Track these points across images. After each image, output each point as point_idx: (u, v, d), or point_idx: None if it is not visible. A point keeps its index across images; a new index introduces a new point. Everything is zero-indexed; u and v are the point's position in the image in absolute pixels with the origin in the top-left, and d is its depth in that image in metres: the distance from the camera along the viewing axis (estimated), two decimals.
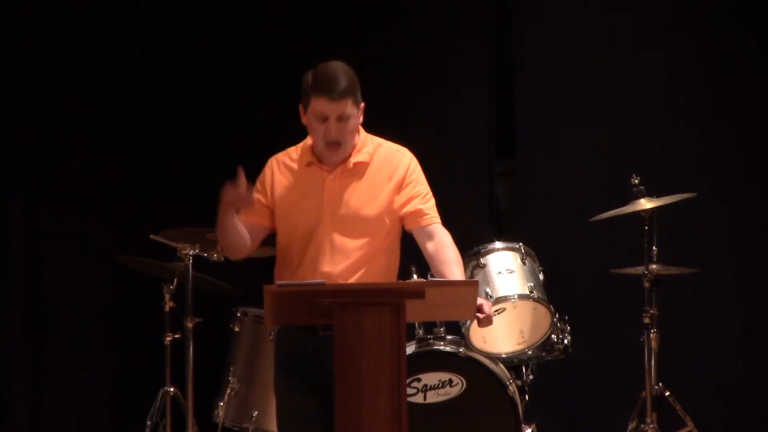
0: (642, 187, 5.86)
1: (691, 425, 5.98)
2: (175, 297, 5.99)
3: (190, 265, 5.81)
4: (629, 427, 6.01)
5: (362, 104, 4.32)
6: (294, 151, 4.42)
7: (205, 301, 6.04)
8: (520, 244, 6.00)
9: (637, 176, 5.87)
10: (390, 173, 4.36)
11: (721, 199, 6.70)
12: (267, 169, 4.42)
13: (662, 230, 6.03)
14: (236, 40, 6.81)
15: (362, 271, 4.32)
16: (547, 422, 6.34)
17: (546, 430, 6.25)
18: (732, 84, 6.72)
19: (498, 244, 5.99)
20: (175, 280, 5.98)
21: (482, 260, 5.91)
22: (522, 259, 5.93)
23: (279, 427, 4.40)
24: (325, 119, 4.24)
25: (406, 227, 4.41)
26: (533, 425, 5.84)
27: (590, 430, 6.72)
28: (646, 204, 5.85)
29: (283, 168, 4.39)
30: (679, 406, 5.99)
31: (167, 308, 5.98)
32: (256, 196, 4.37)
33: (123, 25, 6.83)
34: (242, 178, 4.18)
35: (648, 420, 5.91)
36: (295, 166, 4.38)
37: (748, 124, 6.73)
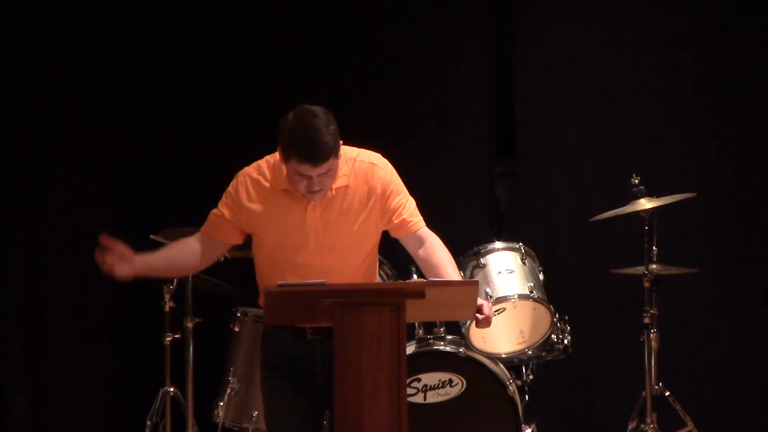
0: (642, 187, 5.86)
1: (691, 425, 5.98)
2: (175, 297, 5.99)
3: None
4: (629, 427, 6.01)
5: (340, 142, 4.21)
6: (266, 169, 4.31)
7: (205, 301, 6.04)
8: (520, 244, 6.00)
9: (637, 176, 5.87)
10: (369, 191, 4.30)
11: (721, 199, 6.70)
12: (240, 186, 4.30)
13: (662, 230, 6.03)
14: (236, 40, 6.80)
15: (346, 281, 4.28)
16: (547, 422, 6.34)
17: (546, 430, 6.25)
18: (732, 83, 6.72)
19: (498, 244, 5.99)
20: (175, 280, 5.98)
21: (482, 260, 5.91)
22: (522, 259, 5.94)
23: (267, 427, 4.39)
24: (307, 177, 4.15)
25: (392, 235, 4.39)
26: (533, 425, 5.84)
27: (590, 430, 6.72)
28: (646, 204, 5.84)
29: (256, 187, 4.30)
30: (679, 406, 5.99)
31: (167, 308, 5.98)
32: (223, 211, 4.32)
33: (123, 25, 6.82)
34: (109, 243, 4.21)
35: (648, 420, 5.91)
36: (268, 186, 4.29)
37: (749, 124, 6.73)
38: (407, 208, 4.35)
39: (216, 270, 5.92)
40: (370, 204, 4.30)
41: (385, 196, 4.31)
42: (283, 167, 4.24)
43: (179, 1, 6.88)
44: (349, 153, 4.32)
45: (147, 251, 4.33)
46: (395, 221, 4.33)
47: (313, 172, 4.13)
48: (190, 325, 5.88)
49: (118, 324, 6.83)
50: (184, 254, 4.37)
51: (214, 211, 4.36)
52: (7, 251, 6.63)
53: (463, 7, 6.84)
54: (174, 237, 5.76)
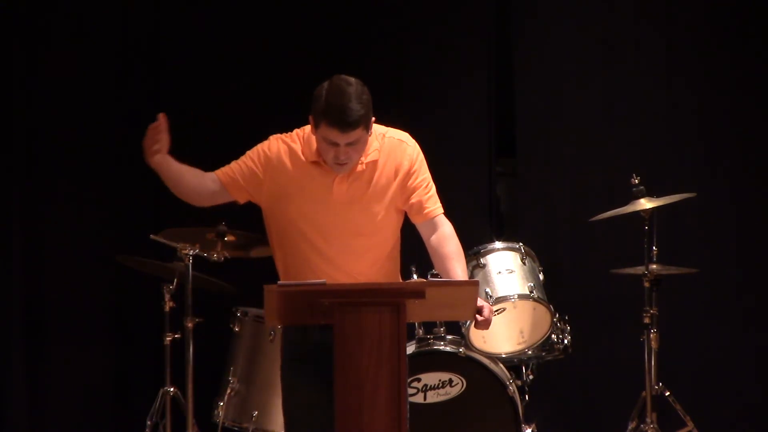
0: (642, 187, 5.86)
1: (691, 425, 5.98)
2: (175, 297, 5.99)
3: (190, 265, 5.80)
4: (629, 427, 6.01)
5: (373, 118, 4.22)
6: (298, 139, 4.30)
7: (205, 301, 6.03)
8: (520, 244, 6.00)
9: (637, 176, 5.87)
10: (396, 167, 4.29)
11: (722, 199, 6.70)
12: (272, 148, 4.29)
13: (662, 230, 6.03)
14: (236, 38, 6.80)
15: (374, 268, 4.28)
16: (547, 422, 6.34)
17: (546, 430, 6.25)
18: (732, 83, 6.72)
19: (498, 244, 5.99)
20: (175, 280, 5.97)
21: (482, 260, 5.91)
22: (522, 259, 5.93)
23: (286, 420, 4.34)
24: (334, 144, 4.15)
25: (412, 220, 4.37)
26: (533, 425, 5.84)
27: (590, 430, 6.72)
28: (646, 204, 5.84)
29: (290, 153, 4.28)
30: (679, 406, 5.99)
31: (167, 308, 5.98)
32: (250, 165, 4.29)
33: (123, 24, 6.82)
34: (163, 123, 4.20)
35: (648, 420, 5.90)
36: (300, 155, 4.27)
37: (749, 124, 6.73)
38: (427, 191, 4.33)
39: (216, 270, 5.95)
40: (396, 182, 4.28)
41: (409, 174, 4.30)
42: (313, 140, 4.23)
43: (180, 2, 6.88)
44: (378, 129, 4.31)
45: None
46: (412, 200, 4.30)
47: (341, 139, 4.12)
48: (190, 325, 5.87)
49: (118, 324, 6.83)
50: (195, 182, 4.35)
51: (237, 162, 4.33)
52: (7, 251, 6.63)
53: (464, 8, 6.84)
54: (174, 237, 5.81)
